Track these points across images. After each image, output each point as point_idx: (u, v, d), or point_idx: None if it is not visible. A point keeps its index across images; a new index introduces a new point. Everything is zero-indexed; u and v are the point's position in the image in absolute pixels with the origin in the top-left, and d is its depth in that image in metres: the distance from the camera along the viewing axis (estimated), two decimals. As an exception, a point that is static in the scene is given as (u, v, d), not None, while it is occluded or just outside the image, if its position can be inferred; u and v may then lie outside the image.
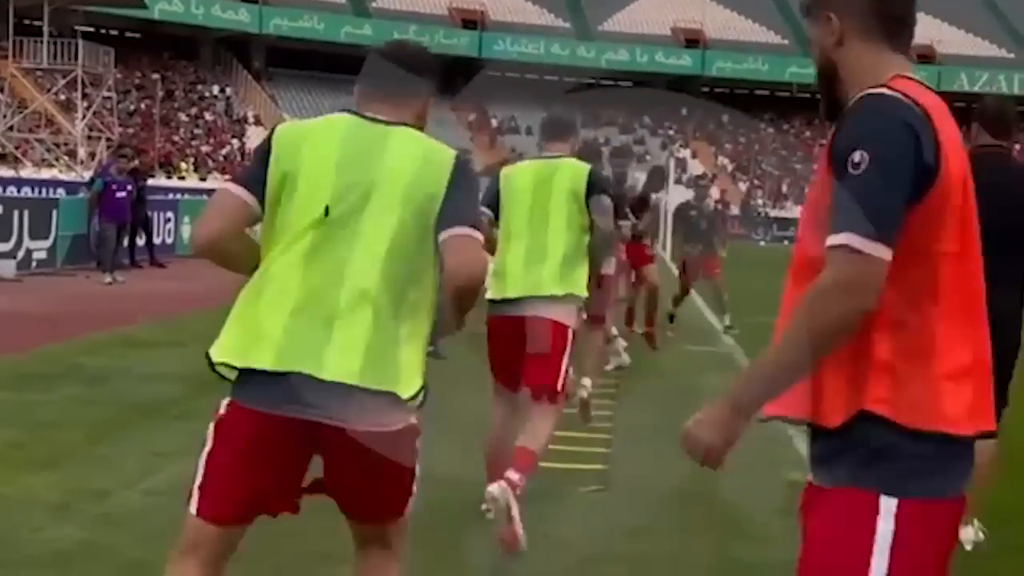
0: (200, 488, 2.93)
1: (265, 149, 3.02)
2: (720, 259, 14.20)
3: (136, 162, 20.14)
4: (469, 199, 3.11)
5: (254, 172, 3.01)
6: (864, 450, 2.18)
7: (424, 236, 2.99)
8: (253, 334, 2.90)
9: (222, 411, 2.96)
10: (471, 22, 60.02)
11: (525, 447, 5.34)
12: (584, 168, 5.69)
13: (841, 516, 2.19)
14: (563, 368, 5.54)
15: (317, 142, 3.02)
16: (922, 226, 2.21)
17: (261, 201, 2.98)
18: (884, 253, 2.16)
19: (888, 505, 2.14)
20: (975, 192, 6.05)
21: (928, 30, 64.58)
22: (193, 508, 2.94)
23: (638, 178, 11.81)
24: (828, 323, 2.16)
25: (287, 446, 2.92)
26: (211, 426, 2.97)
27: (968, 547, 5.25)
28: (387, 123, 3.08)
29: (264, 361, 2.86)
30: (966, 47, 64.42)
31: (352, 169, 2.98)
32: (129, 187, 18.41)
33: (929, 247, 2.23)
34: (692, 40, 62.84)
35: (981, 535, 5.32)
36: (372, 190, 2.97)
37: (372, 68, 3.19)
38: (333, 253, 2.92)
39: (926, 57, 63.92)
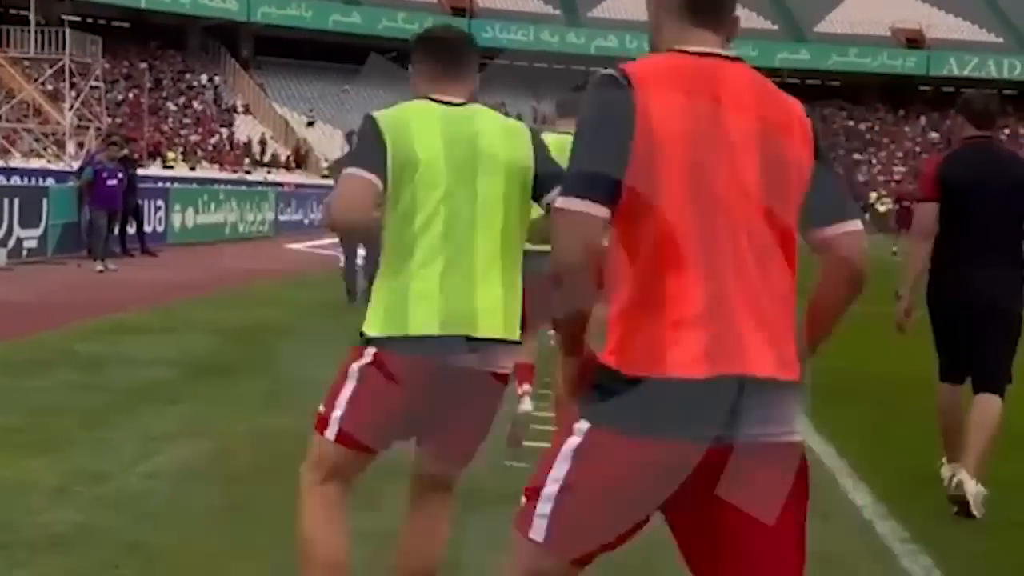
0: (343, 417, 3.26)
1: (375, 137, 3.29)
2: None
3: (126, 150, 20.09)
4: (555, 163, 3.45)
5: (374, 157, 3.27)
6: (596, 392, 2.37)
7: (523, 200, 3.40)
8: (406, 306, 3.23)
9: (367, 359, 3.25)
10: (460, 9, 59.86)
11: (525, 362, 6.31)
12: None
13: (561, 432, 2.46)
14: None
15: (423, 127, 3.32)
16: (635, 182, 2.32)
17: (384, 182, 3.26)
18: (587, 208, 2.31)
19: (582, 427, 2.38)
20: (967, 182, 6.13)
21: (917, 14, 64.74)
22: (332, 435, 3.28)
23: None
24: (553, 278, 2.37)
25: (427, 386, 3.24)
26: (353, 367, 3.27)
27: (971, 500, 5.28)
28: (464, 104, 3.41)
29: (430, 328, 3.21)
30: (955, 32, 64.49)
31: (458, 151, 3.32)
32: (120, 175, 18.35)
33: (648, 201, 2.33)
34: (681, 26, 62.81)
35: (981, 487, 5.35)
36: (479, 166, 3.33)
37: (434, 52, 3.46)
38: (462, 227, 3.29)
39: (915, 41, 64.04)
